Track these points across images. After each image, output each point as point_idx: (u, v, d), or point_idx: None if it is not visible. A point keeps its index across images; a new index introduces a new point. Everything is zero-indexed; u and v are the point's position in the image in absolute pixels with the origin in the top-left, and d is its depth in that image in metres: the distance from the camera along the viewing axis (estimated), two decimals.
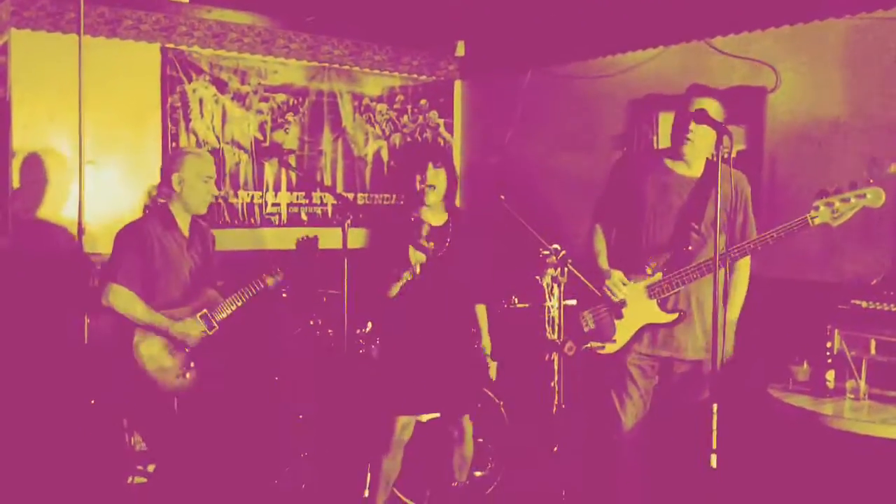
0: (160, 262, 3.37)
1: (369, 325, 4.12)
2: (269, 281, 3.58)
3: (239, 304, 3.52)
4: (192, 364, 3.39)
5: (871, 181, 2.97)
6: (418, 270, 3.29)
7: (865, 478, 3.19)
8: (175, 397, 3.38)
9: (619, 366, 3.36)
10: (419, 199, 3.43)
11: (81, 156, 4.04)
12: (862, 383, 3.23)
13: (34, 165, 4.46)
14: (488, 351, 3.61)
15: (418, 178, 3.40)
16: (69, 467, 3.86)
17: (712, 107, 3.11)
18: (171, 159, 3.52)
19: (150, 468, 3.77)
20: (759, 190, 3.81)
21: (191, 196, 3.45)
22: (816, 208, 3.01)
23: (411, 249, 3.27)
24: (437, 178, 3.41)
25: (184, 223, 3.50)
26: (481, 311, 3.66)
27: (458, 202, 3.77)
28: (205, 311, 3.44)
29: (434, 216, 3.48)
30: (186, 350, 3.37)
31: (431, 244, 3.29)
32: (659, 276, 3.23)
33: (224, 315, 3.49)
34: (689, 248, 3.21)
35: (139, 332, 3.31)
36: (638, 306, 3.26)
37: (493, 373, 3.63)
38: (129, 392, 3.41)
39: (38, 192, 4.47)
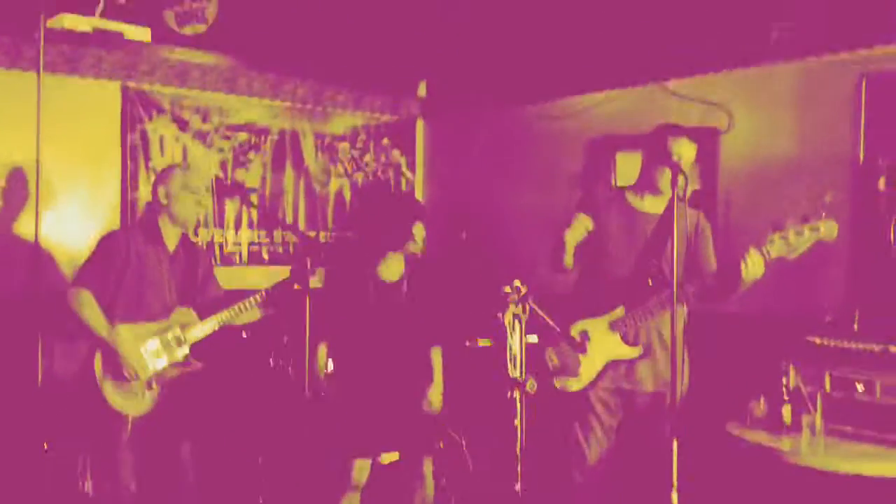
0: (136, 273, 3.34)
1: (330, 364, 4.09)
2: (255, 303, 3.51)
3: (219, 323, 3.47)
4: (152, 385, 3.33)
5: (824, 215, 3.04)
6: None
7: None
8: (127, 422, 3.30)
9: (583, 402, 3.37)
10: (399, 247, 3.46)
11: (37, 194, 3.98)
12: (818, 418, 3.28)
13: None
14: (435, 401, 3.58)
15: (408, 232, 3.48)
16: None
17: (688, 148, 3.21)
18: (161, 174, 3.53)
19: None
20: (714, 228, 3.88)
21: (178, 209, 3.43)
22: (772, 241, 3.07)
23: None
24: (421, 233, 3.54)
25: (171, 239, 3.48)
26: (436, 356, 3.66)
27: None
28: (177, 329, 3.38)
29: (389, 271, 3.53)
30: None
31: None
32: (621, 310, 3.27)
33: (200, 334, 3.43)
34: (651, 283, 3.26)
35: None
36: (602, 341, 3.29)
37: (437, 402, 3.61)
38: (83, 416, 3.34)
39: None
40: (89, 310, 3.28)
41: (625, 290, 3.29)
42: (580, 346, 3.29)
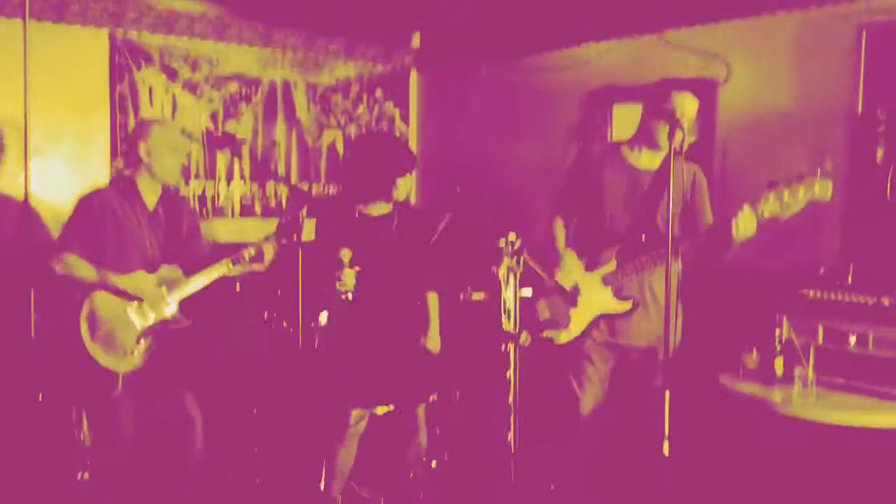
0: (114, 233, 3.30)
1: (323, 317, 4.08)
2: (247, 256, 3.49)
3: (208, 279, 3.45)
4: (140, 341, 3.32)
5: (819, 173, 3.02)
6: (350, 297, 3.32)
7: (813, 462, 3.25)
8: (118, 378, 3.30)
9: (576, 351, 3.39)
10: (384, 196, 3.43)
11: (27, 144, 3.93)
12: (809, 370, 3.30)
13: None
14: (432, 346, 3.59)
15: (391, 182, 3.43)
16: (18, 465, 3.77)
17: (691, 104, 3.18)
18: (138, 129, 3.44)
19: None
20: (710, 181, 3.86)
21: (159, 165, 3.38)
22: (766, 199, 3.05)
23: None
24: (406, 184, 3.49)
25: (150, 196, 3.42)
26: (433, 300, 3.65)
27: (413, 194, 3.79)
28: (163, 287, 3.37)
29: (377, 208, 3.49)
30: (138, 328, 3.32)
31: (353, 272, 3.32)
32: (613, 264, 3.27)
33: (189, 290, 3.42)
34: (644, 237, 3.25)
35: (88, 298, 3.25)
36: (593, 295, 3.29)
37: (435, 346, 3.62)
38: (74, 373, 3.33)
39: None
40: (81, 268, 3.25)
41: (618, 245, 3.28)
42: (571, 299, 3.31)
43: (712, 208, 3.42)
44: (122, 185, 3.40)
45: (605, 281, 3.29)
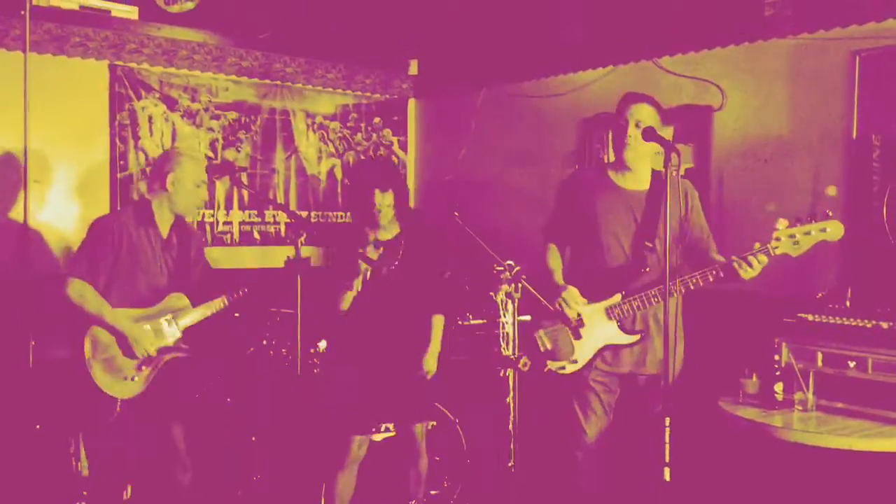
0: (128, 258, 3.32)
1: (322, 343, 4.08)
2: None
3: (208, 313, 3.47)
4: (142, 368, 3.32)
5: (830, 213, 3.03)
6: (360, 285, 3.29)
7: (813, 487, 3.24)
8: (116, 405, 3.30)
9: (581, 381, 3.36)
10: (370, 219, 3.44)
11: (26, 174, 3.96)
12: (809, 395, 3.29)
13: None
14: (430, 368, 3.57)
15: (368, 201, 3.41)
16: (16, 495, 3.75)
17: (646, 111, 3.19)
18: (166, 157, 3.47)
19: None
20: (707, 208, 3.88)
21: (182, 198, 3.41)
22: (778, 240, 3.04)
23: (359, 263, 3.28)
24: (384, 201, 3.42)
25: (164, 223, 3.45)
26: (437, 322, 3.64)
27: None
28: (169, 315, 3.38)
29: (384, 232, 3.50)
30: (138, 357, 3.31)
31: (377, 252, 3.30)
32: (618, 297, 3.25)
33: (189, 321, 3.43)
34: (647, 269, 3.24)
35: (91, 326, 3.26)
36: (597, 327, 3.27)
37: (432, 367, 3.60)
38: (73, 397, 3.33)
39: None
40: (91, 299, 3.26)
41: (620, 277, 3.27)
42: (575, 332, 3.28)
43: (713, 235, 3.42)
44: (139, 209, 3.42)
45: (609, 314, 3.27)
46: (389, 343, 3.44)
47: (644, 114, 3.22)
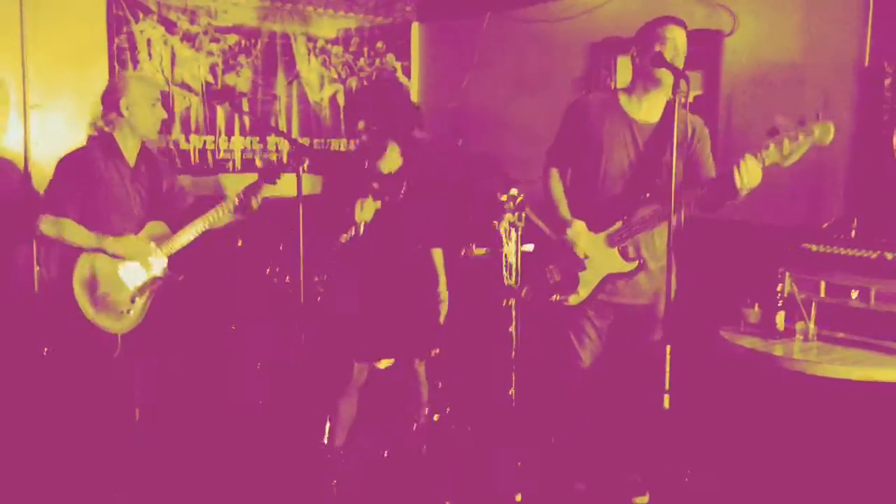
0: (101, 192, 3.28)
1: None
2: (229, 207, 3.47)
3: (195, 232, 3.44)
4: (135, 300, 3.33)
5: (819, 117, 2.94)
6: (370, 215, 3.27)
7: (813, 415, 3.28)
8: (117, 338, 3.32)
9: (576, 309, 3.37)
10: (397, 133, 3.41)
11: (26, 99, 3.91)
12: (811, 325, 3.31)
13: None
14: (444, 297, 3.59)
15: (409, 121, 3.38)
16: (22, 422, 3.82)
17: (682, 37, 3.10)
18: (114, 85, 3.40)
19: None
20: (715, 135, 3.82)
21: (140, 120, 3.35)
22: (767, 147, 2.97)
23: (359, 203, 3.25)
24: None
25: (130, 152, 3.40)
26: (438, 255, 3.65)
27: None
28: (152, 244, 3.36)
29: (388, 163, 3.45)
30: (135, 287, 3.32)
31: (378, 186, 3.28)
32: (619, 224, 3.23)
33: (178, 245, 3.41)
34: (648, 195, 3.21)
35: (79, 263, 3.24)
36: (600, 257, 3.26)
37: (442, 316, 3.62)
38: (73, 336, 3.34)
39: None
40: (70, 230, 3.23)
41: (622, 204, 3.23)
42: (580, 263, 3.27)
43: (717, 159, 3.37)
44: (103, 142, 3.36)
45: (611, 241, 3.25)
46: (389, 274, 3.44)
47: (680, 39, 3.13)
